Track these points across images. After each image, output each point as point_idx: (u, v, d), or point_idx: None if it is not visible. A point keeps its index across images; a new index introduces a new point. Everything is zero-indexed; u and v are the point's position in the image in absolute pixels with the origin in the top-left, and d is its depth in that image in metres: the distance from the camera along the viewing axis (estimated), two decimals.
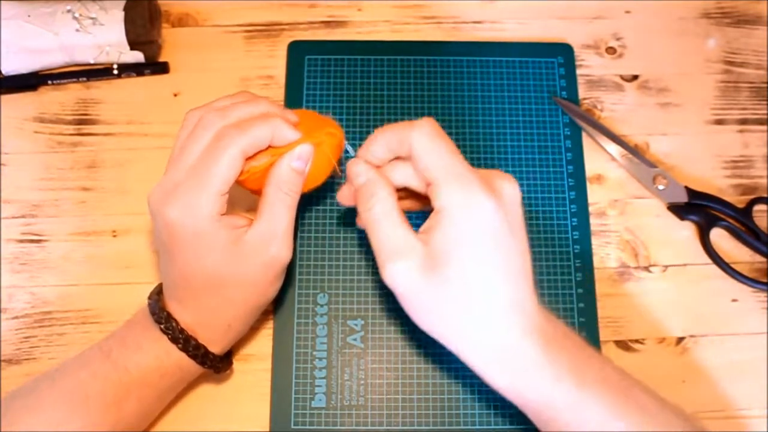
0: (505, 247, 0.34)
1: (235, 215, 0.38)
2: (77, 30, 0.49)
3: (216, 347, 0.40)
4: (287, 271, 0.40)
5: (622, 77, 0.53)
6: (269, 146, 0.37)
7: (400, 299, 0.35)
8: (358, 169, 0.37)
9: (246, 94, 0.40)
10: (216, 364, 0.40)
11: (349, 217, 0.47)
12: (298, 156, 0.37)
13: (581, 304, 0.46)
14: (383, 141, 0.37)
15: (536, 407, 0.35)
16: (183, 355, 0.38)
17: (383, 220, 0.35)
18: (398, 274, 0.34)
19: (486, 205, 0.33)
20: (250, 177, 0.38)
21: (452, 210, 0.34)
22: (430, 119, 0.36)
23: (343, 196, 0.39)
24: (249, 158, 0.37)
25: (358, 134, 0.50)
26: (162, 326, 0.38)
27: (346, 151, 0.41)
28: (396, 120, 0.50)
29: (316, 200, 0.48)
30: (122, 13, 0.49)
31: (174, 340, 0.38)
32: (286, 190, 0.37)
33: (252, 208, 0.46)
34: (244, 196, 0.42)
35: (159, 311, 0.38)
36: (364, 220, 0.36)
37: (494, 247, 0.34)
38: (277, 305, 0.45)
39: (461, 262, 0.33)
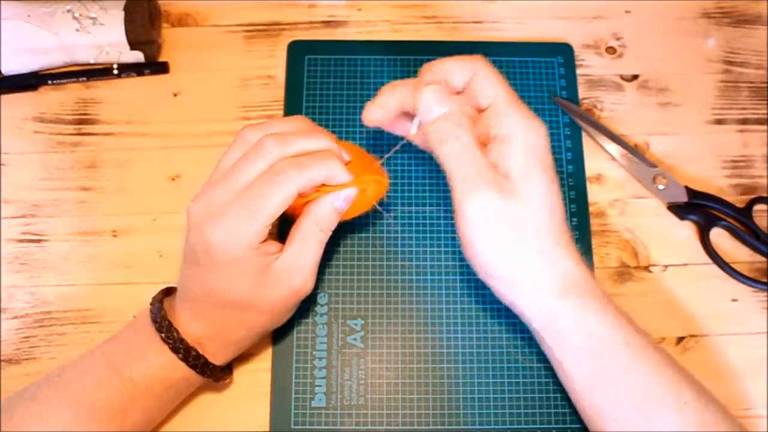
0: (551, 165, 0.37)
1: (268, 242, 0.37)
2: (77, 30, 0.49)
3: (218, 359, 0.40)
4: None
5: (622, 77, 0.53)
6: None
7: (471, 228, 0.36)
8: (437, 98, 0.37)
9: (304, 122, 0.40)
10: (216, 374, 0.40)
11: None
12: (343, 198, 0.38)
13: None
14: (452, 66, 0.38)
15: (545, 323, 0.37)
16: (187, 366, 0.38)
17: (469, 151, 0.36)
18: (485, 203, 0.36)
19: (542, 130, 0.37)
20: (291, 206, 0.37)
21: (518, 134, 0.36)
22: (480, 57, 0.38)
23: (372, 118, 0.39)
24: None
25: (358, 134, 0.50)
26: (163, 335, 0.38)
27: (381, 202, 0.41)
28: None
29: None
30: (122, 13, 0.49)
31: (174, 349, 0.38)
32: (322, 226, 0.38)
33: None
34: None
35: (161, 319, 0.38)
36: (445, 152, 0.37)
37: (550, 166, 0.37)
38: None
39: (535, 179, 0.36)
